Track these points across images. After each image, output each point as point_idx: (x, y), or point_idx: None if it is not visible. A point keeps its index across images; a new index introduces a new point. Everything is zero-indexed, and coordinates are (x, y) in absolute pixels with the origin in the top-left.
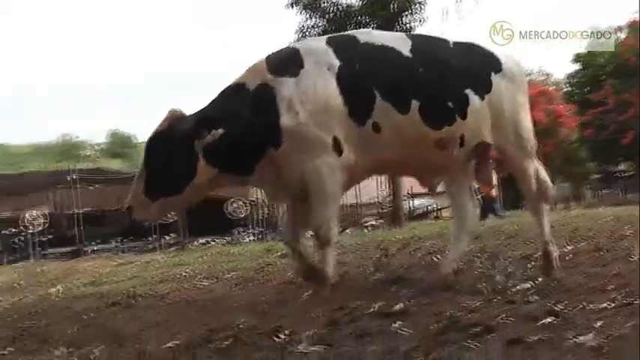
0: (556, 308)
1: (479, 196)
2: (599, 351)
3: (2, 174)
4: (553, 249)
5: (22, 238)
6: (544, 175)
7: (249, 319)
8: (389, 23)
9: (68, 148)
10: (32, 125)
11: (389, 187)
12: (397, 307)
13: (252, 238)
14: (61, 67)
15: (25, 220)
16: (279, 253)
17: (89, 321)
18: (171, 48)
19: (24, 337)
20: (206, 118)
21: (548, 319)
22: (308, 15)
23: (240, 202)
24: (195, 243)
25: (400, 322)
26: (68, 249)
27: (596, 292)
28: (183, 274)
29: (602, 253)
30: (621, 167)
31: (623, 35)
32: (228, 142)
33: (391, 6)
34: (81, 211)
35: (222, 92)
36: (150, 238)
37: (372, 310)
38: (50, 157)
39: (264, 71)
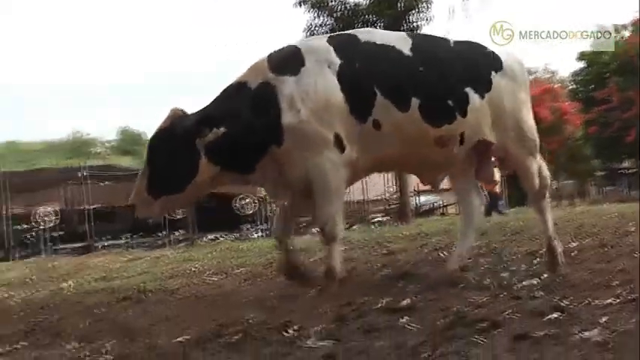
0: (562, 304)
1: (485, 193)
2: (604, 346)
3: (14, 171)
4: (557, 245)
5: (34, 234)
6: (547, 172)
7: (258, 314)
8: (396, 22)
9: (79, 146)
10: (32, 125)
11: (396, 183)
12: (404, 302)
13: (260, 234)
14: (61, 67)
15: (37, 216)
16: None
17: (100, 315)
18: (171, 48)
19: (36, 332)
20: (208, 116)
21: (554, 315)
22: (316, 14)
23: (249, 199)
24: (204, 239)
25: (407, 318)
26: (79, 245)
27: (601, 287)
28: (193, 269)
29: (606, 249)
30: (625, 164)
31: (627, 33)
32: (229, 141)
33: (398, 5)
34: (91, 208)
35: (224, 91)
36: (159, 234)
37: (379, 305)
38: (61, 154)
39: (266, 70)
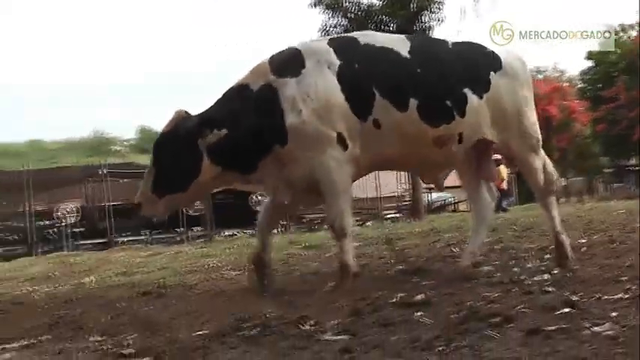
0: (572, 299)
1: (497, 190)
2: (615, 340)
3: (38, 169)
4: (565, 239)
5: (56, 230)
6: (551, 168)
7: (275, 309)
8: (408, 22)
9: (99, 144)
10: (32, 125)
11: (408, 181)
12: (418, 297)
13: (275, 230)
14: (61, 67)
15: (59, 213)
16: (302, 245)
17: (122, 310)
18: (171, 48)
19: (59, 325)
20: (210, 118)
21: (565, 310)
22: (330, 14)
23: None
24: (222, 235)
25: (422, 312)
26: (100, 240)
27: (611, 283)
28: (211, 265)
29: (615, 245)
30: (633, 162)
31: (634, 33)
32: (231, 142)
33: (411, 5)
34: (111, 204)
35: (226, 93)
36: (177, 230)
37: (394, 300)
38: (81, 152)
39: (267, 72)
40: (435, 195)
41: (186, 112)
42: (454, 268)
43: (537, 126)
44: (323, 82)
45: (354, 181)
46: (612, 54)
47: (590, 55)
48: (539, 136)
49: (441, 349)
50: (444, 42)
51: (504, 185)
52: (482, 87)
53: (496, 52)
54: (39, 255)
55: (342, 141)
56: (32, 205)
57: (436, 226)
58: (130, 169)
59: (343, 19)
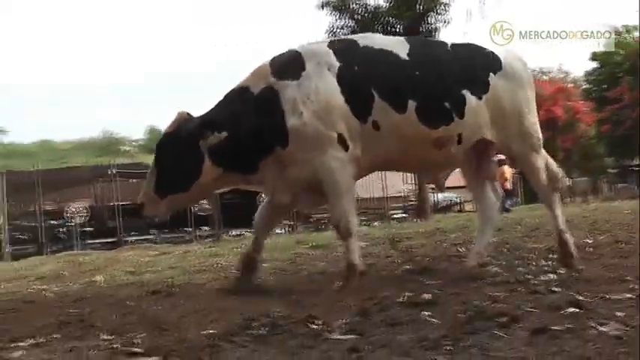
0: (578, 298)
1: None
2: (621, 340)
3: (48, 169)
4: (569, 238)
5: (66, 229)
6: (554, 167)
7: (283, 308)
8: (414, 24)
9: (108, 144)
10: (32, 125)
11: (415, 181)
12: (425, 296)
13: (283, 230)
14: (62, 67)
15: (69, 212)
16: (309, 245)
17: (131, 308)
18: (171, 48)
19: (69, 324)
20: (211, 120)
21: (571, 309)
22: (338, 16)
23: None
24: (229, 234)
25: (429, 312)
26: (109, 240)
27: (617, 282)
28: (220, 264)
29: (620, 245)
30: (637, 162)
31: (637, 34)
32: (232, 143)
33: (417, 7)
34: (120, 204)
35: (228, 95)
36: (186, 230)
37: (401, 299)
38: (91, 152)
39: (268, 75)
40: (441, 195)
41: (188, 113)
42: (460, 267)
43: (538, 125)
44: (323, 84)
45: (355, 181)
46: (617, 55)
47: (595, 56)
48: (540, 136)
49: (448, 348)
50: (442, 44)
51: (508, 185)
52: (481, 88)
53: (496, 52)
54: (49, 254)
55: (342, 142)
56: (42, 205)
57: (442, 226)
58: (139, 170)
59: (350, 21)
